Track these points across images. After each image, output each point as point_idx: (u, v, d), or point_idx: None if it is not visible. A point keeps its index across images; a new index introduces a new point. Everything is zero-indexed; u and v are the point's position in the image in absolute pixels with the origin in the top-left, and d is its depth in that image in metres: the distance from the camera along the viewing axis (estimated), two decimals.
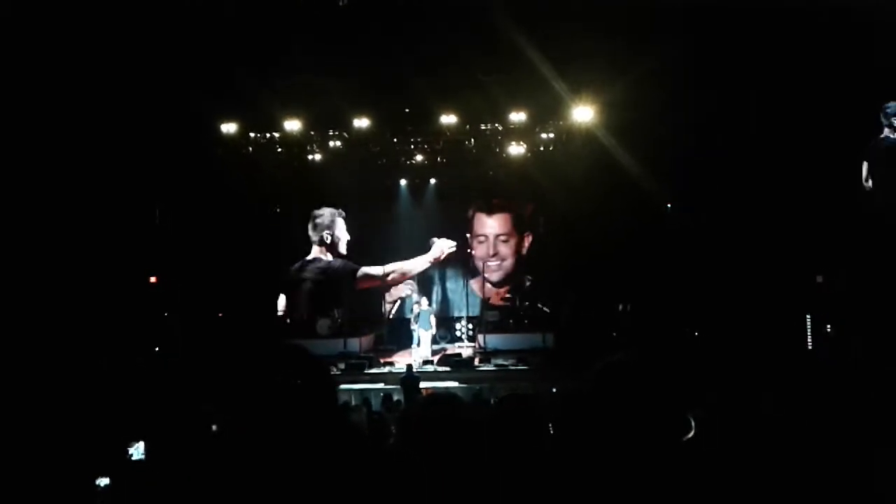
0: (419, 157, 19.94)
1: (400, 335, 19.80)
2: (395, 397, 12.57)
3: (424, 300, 18.91)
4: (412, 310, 18.97)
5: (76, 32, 12.45)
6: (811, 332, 15.17)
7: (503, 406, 2.82)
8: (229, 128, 17.43)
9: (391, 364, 17.50)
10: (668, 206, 18.52)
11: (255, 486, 1.82)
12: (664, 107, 14.65)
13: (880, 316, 12.45)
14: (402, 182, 21.37)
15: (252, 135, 18.38)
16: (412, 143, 19.40)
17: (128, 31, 12.72)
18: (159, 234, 17.36)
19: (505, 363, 17.16)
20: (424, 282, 21.11)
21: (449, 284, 21.35)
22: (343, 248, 20.44)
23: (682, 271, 16.55)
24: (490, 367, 16.96)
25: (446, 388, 13.97)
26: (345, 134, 18.50)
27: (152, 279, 17.60)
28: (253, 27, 13.27)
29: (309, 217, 20.05)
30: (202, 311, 17.85)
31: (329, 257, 20.33)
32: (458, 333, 20.59)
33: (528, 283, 20.11)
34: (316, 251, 20.38)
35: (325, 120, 17.99)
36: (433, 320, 18.19)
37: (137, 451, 6.35)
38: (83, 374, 12.16)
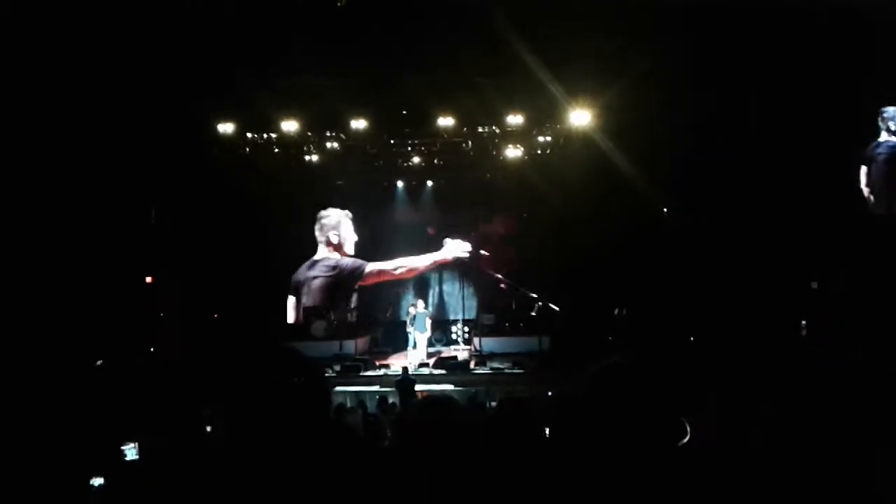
0: (416, 159, 19.94)
1: (396, 338, 19.81)
2: (391, 400, 12.58)
3: (420, 303, 18.90)
4: (408, 312, 18.94)
5: (73, 31, 12.42)
6: (806, 335, 15.19)
7: (502, 409, 2.82)
8: (226, 128, 17.40)
9: (387, 366, 17.50)
10: (665, 209, 18.54)
11: (249, 487, 1.81)
12: (662, 109, 14.65)
13: (879, 318, 12.46)
14: (399, 184, 21.40)
15: (249, 135, 18.35)
16: (409, 145, 19.39)
17: (125, 30, 12.69)
18: (155, 233, 17.33)
19: (501, 366, 17.17)
20: (421, 284, 21.10)
21: (445, 287, 21.37)
22: (350, 249, 20.31)
23: (678, 275, 16.56)
24: (486, 371, 16.97)
25: (442, 390, 13.98)
26: (342, 135, 18.48)
27: (148, 279, 17.56)
28: (251, 27, 13.24)
29: (303, 218, 19.98)
30: (198, 311, 17.83)
31: (337, 256, 20.28)
32: (454, 336, 20.59)
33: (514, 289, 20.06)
34: (323, 251, 20.31)
35: (322, 121, 17.97)
36: (429, 323, 18.19)
37: (132, 451, 6.33)
38: (77, 373, 12.13)
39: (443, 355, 18.28)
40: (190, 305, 17.60)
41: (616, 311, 18.42)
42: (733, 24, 12.83)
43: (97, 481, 5.15)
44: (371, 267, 20.09)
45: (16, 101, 12.76)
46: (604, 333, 17.54)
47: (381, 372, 16.93)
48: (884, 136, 12.68)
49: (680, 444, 2.14)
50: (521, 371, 16.67)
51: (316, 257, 20.21)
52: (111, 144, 14.66)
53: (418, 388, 13.47)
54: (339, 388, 14.91)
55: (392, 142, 19.17)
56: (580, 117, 16.68)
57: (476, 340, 18.83)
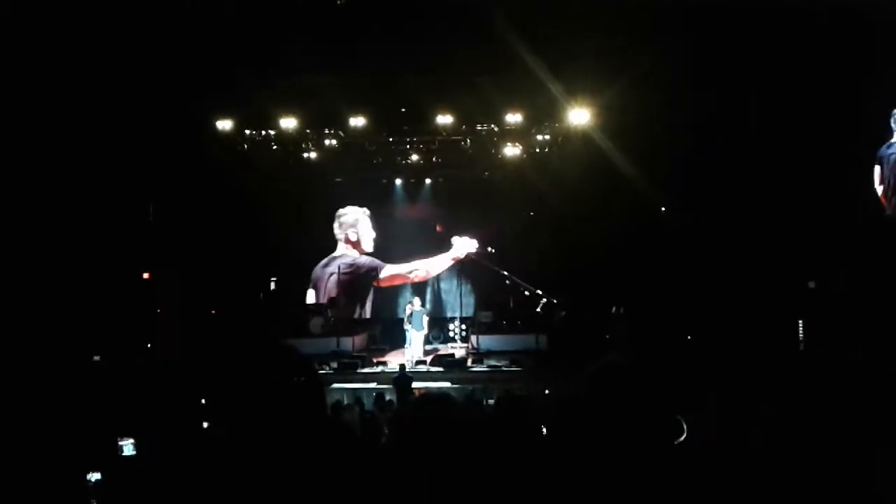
0: (415, 157, 19.94)
1: (393, 335, 19.81)
2: (388, 397, 12.56)
3: (417, 300, 18.90)
4: (405, 310, 18.97)
5: (73, 29, 12.41)
6: (803, 336, 15.21)
7: (499, 406, 2.83)
8: (225, 124, 17.39)
9: (384, 364, 17.50)
10: (664, 208, 18.55)
11: (246, 483, 1.81)
12: (660, 109, 14.66)
13: (879, 317, 12.48)
14: (398, 181, 21.39)
15: (247, 132, 18.34)
16: (408, 142, 19.40)
17: (124, 28, 12.69)
18: (153, 230, 17.32)
19: (498, 364, 17.17)
20: (418, 282, 21.11)
21: (443, 285, 21.35)
22: (368, 246, 20.56)
23: (676, 274, 16.56)
24: (483, 368, 16.97)
25: (439, 388, 13.97)
26: (340, 132, 18.49)
27: (145, 275, 17.55)
28: (250, 24, 13.24)
29: (302, 217, 19.97)
30: (196, 307, 17.82)
31: (355, 253, 20.51)
32: (451, 334, 20.60)
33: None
34: (342, 248, 20.55)
35: (321, 118, 17.97)
36: (426, 321, 18.20)
37: (128, 446, 6.33)
38: (74, 369, 12.13)
39: (440, 353, 18.29)
40: (188, 302, 17.58)
41: (614, 310, 18.41)
42: (733, 25, 12.83)
43: (94, 476, 5.14)
44: (388, 271, 20.34)
45: (17, 99, 12.75)
46: (601, 332, 17.54)
47: (379, 369, 16.92)
48: None
49: (677, 442, 2.14)
50: (519, 369, 16.67)
51: (335, 254, 20.52)
52: (110, 141, 14.64)
53: (415, 385, 13.46)
54: (336, 386, 14.89)
55: (391, 139, 19.18)
56: (579, 116, 16.69)
57: (473, 338, 18.83)
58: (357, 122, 17.43)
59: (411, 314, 18.14)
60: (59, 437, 6.47)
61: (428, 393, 2.33)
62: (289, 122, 17.44)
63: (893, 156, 12.79)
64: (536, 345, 17.82)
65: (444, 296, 21.37)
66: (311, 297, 20.31)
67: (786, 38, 12.90)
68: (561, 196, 18.72)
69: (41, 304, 13.14)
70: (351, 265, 20.32)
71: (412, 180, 21.33)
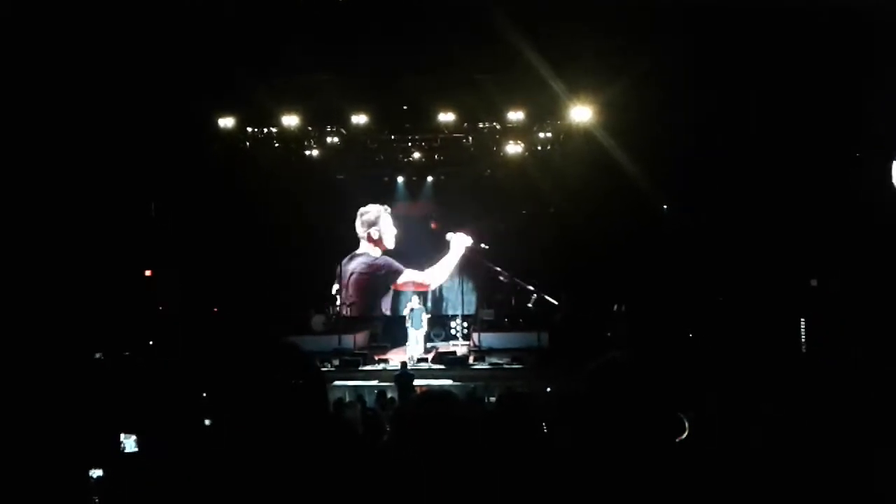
0: (417, 155, 19.93)
1: (394, 332, 19.81)
2: (390, 394, 12.57)
3: (416, 299, 18.93)
4: (406, 308, 19.05)
5: (74, 27, 12.42)
6: (805, 334, 15.21)
7: (501, 404, 2.83)
8: (226, 122, 17.38)
9: (385, 361, 17.51)
10: (665, 206, 18.54)
11: (247, 480, 1.82)
12: (662, 107, 14.65)
13: (879, 317, 12.49)
14: (400, 179, 21.37)
15: (249, 130, 18.33)
16: (410, 140, 19.38)
17: (125, 26, 12.69)
18: (155, 227, 17.34)
19: (499, 362, 17.19)
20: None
21: (445, 283, 21.34)
22: (390, 243, 20.84)
23: (677, 272, 16.57)
24: (485, 366, 16.99)
25: (441, 385, 13.99)
26: (342, 130, 18.47)
27: (147, 272, 17.57)
28: (252, 22, 13.24)
29: (301, 214, 19.96)
30: (197, 305, 17.84)
31: (378, 252, 20.76)
32: (453, 332, 20.60)
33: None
34: (364, 246, 20.84)
35: (322, 116, 17.95)
36: (424, 319, 18.19)
37: (130, 443, 6.34)
38: (77, 366, 12.15)
39: (441, 350, 18.29)
40: (189, 300, 17.61)
41: (615, 308, 18.42)
42: (733, 25, 12.83)
43: (96, 473, 5.16)
44: (406, 276, 20.56)
45: (19, 98, 12.77)
46: (603, 329, 17.55)
47: (380, 367, 16.94)
48: None
49: (678, 439, 2.15)
50: (520, 366, 16.68)
51: (357, 251, 20.78)
52: (112, 139, 14.66)
53: (417, 382, 13.47)
54: (337, 383, 14.91)
55: (393, 137, 19.16)
56: (581, 114, 16.65)
57: (475, 336, 18.84)
58: (359, 119, 17.41)
59: (412, 311, 18.16)
60: (62, 434, 6.48)
61: (430, 390, 2.34)
62: (290, 120, 17.42)
63: None
64: (538, 342, 17.83)
65: (445, 293, 21.36)
66: (336, 290, 20.68)
67: (786, 38, 12.89)
68: (562, 194, 18.72)
69: (43, 301, 13.16)
70: (371, 265, 20.70)
71: (414, 178, 21.32)
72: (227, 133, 17.68)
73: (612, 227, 17.55)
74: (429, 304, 20.50)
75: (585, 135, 17.42)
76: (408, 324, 18.13)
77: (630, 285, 17.71)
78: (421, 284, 20.82)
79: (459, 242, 20.40)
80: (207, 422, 7.00)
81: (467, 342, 19.48)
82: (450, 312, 21.09)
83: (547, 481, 2.19)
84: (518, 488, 2.21)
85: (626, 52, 13.70)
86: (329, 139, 18.83)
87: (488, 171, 20.49)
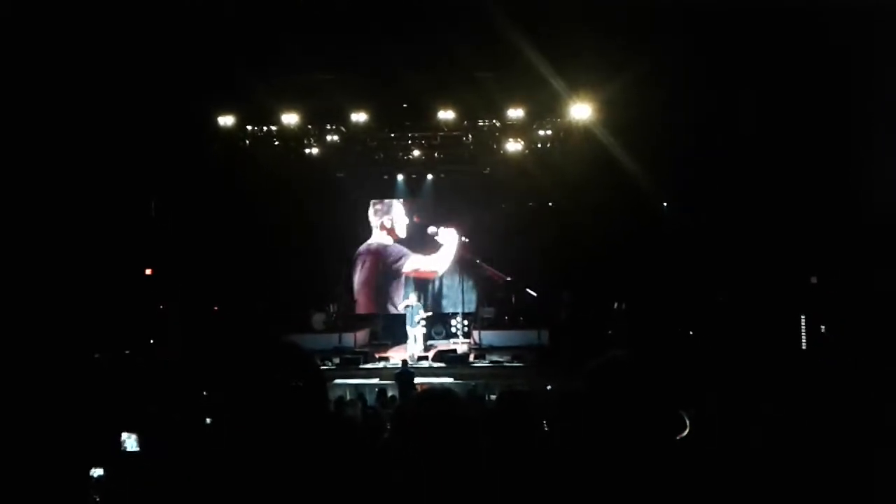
0: (416, 153, 19.91)
1: (395, 331, 19.83)
2: (390, 393, 12.59)
3: (413, 297, 18.97)
4: (403, 303, 19.17)
5: (73, 26, 12.41)
6: (805, 332, 15.22)
7: (501, 402, 2.83)
8: (226, 120, 17.36)
9: (386, 359, 17.53)
10: (665, 204, 18.53)
11: (247, 479, 1.82)
12: (663, 105, 14.63)
13: (879, 316, 12.49)
14: (400, 177, 21.38)
15: (249, 128, 18.32)
16: (410, 138, 19.36)
17: (125, 24, 12.68)
18: (155, 226, 17.34)
19: (500, 360, 17.21)
20: (420, 279, 21.16)
21: (445, 281, 21.35)
22: (402, 232, 21.16)
23: (678, 270, 16.56)
24: (485, 364, 17.01)
25: (441, 383, 13.99)
26: (342, 128, 18.45)
27: (148, 271, 17.57)
28: (252, 21, 13.23)
29: (301, 212, 19.97)
30: (197, 303, 17.84)
31: (390, 240, 21.05)
32: (453, 330, 20.61)
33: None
34: (377, 235, 21.12)
35: (322, 114, 17.93)
36: (419, 316, 18.20)
37: (131, 442, 6.35)
38: (78, 365, 12.15)
39: (442, 348, 18.30)
40: (190, 298, 17.61)
41: (615, 306, 18.43)
42: (734, 24, 12.82)
43: (97, 472, 5.16)
44: (413, 263, 20.77)
45: (20, 97, 12.76)
46: (603, 327, 17.56)
47: (381, 365, 16.96)
48: None
49: (679, 437, 2.15)
50: (521, 364, 16.70)
51: (371, 240, 21.01)
52: (112, 137, 14.65)
53: (417, 380, 13.48)
54: (338, 381, 14.92)
55: (392, 135, 19.15)
56: (581, 111, 16.62)
57: (475, 334, 18.85)
58: (358, 117, 17.38)
59: (407, 308, 18.22)
60: (63, 434, 6.49)
61: (430, 388, 2.33)
62: (290, 118, 17.39)
63: None
64: (538, 340, 17.85)
65: (446, 291, 21.37)
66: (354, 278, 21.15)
67: (785, 38, 12.89)
68: (562, 192, 18.71)
69: (43, 300, 13.16)
70: (381, 249, 21.00)
71: (414, 176, 21.32)
72: (226, 131, 17.65)
73: (612, 226, 17.54)
74: (429, 301, 20.53)
75: (585, 133, 17.40)
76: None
77: (630, 284, 17.71)
78: (427, 272, 20.97)
79: (448, 237, 20.63)
80: (208, 421, 7.01)
81: (468, 340, 19.50)
82: (450, 310, 21.10)
83: (547, 479, 2.19)
84: (518, 487, 2.21)
85: (626, 50, 13.68)
86: (329, 137, 18.81)
87: (488, 168, 20.48)
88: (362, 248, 21.20)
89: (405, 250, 21.07)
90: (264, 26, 13.38)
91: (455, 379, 15.03)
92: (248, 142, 18.58)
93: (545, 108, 17.53)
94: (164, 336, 16.86)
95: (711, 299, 16.23)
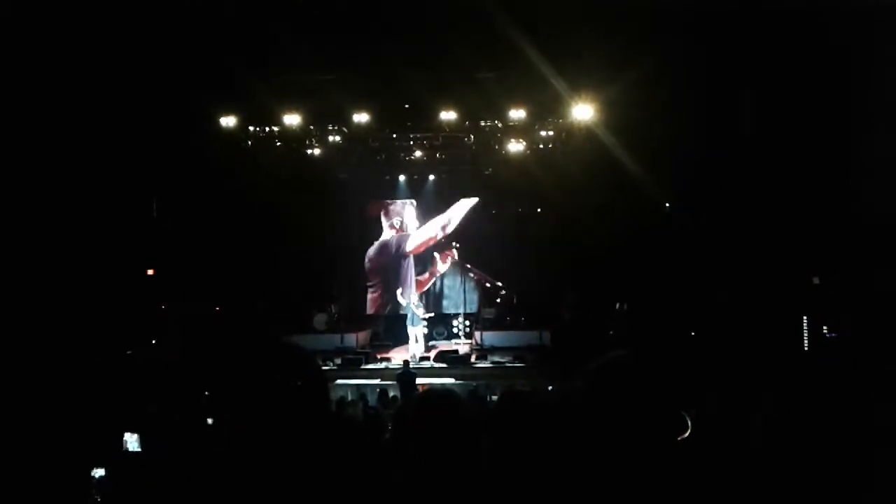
0: (418, 153, 19.92)
1: (396, 331, 19.83)
2: (392, 393, 12.59)
3: (415, 296, 18.97)
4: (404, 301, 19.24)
5: (74, 26, 12.42)
6: (807, 332, 15.21)
7: (502, 402, 2.83)
8: (228, 121, 17.38)
9: (387, 360, 17.55)
10: (667, 205, 18.52)
11: (248, 479, 1.82)
12: (664, 106, 14.63)
13: (879, 316, 12.48)
14: (401, 178, 21.38)
15: (251, 128, 18.33)
16: (411, 138, 19.37)
17: (126, 24, 12.69)
18: (157, 226, 17.35)
19: (502, 360, 17.21)
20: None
21: (446, 281, 21.35)
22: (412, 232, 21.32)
23: (679, 271, 16.55)
24: (487, 364, 17.02)
25: (443, 384, 13.99)
26: (344, 129, 18.46)
27: (149, 272, 17.58)
28: (253, 21, 13.24)
29: (303, 213, 19.97)
30: (198, 303, 17.85)
31: (397, 237, 21.28)
32: (455, 330, 20.61)
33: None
34: (387, 233, 21.29)
35: (324, 115, 17.94)
36: (417, 315, 18.20)
37: (133, 443, 6.35)
38: (80, 365, 12.15)
39: (443, 349, 18.31)
40: (191, 299, 17.62)
41: (617, 306, 18.42)
42: (735, 24, 12.82)
43: (98, 472, 5.16)
44: (416, 238, 21.05)
45: (21, 98, 12.77)
46: (605, 328, 17.55)
47: (382, 365, 16.97)
48: None
49: (681, 438, 2.15)
50: (522, 365, 16.70)
51: (382, 238, 21.15)
52: (114, 137, 14.66)
53: (419, 381, 13.48)
54: (339, 382, 14.93)
55: (394, 136, 19.16)
56: (583, 112, 16.62)
57: (477, 334, 18.85)
58: (360, 118, 17.39)
59: (408, 305, 18.26)
60: (64, 434, 6.49)
61: (431, 389, 2.34)
62: (292, 119, 17.40)
63: None
64: (540, 341, 17.84)
65: (447, 292, 21.37)
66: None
67: (787, 37, 12.89)
68: (564, 192, 18.70)
69: (44, 300, 13.16)
70: (385, 245, 21.13)
71: (415, 177, 21.32)
72: (228, 132, 17.66)
73: (613, 226, 17.53)
74: (430, 300, 20.58)
75: (587, 133, 17.40)
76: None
77: (632, 284, 17.70)
78: (433, 238, 21.12)
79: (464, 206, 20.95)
80: (209, 421, 7.01)
81: (469, 341, 19.48)
82: (452, 311, 21.09)
83: (549, 480, 2.19)
84: (519, 487, 2.21)
85: (627, 51, 13.68)
86: (331, 138, 18.82)
87: (490, 169, 20.48)
88: (371, 249, 21.22)
89: (405, 233, 21.16)
90: (266, 27, 13.39)
91: (456, 379, 15.03)
92: (249, 143, 18.59)
93: (547, 108, 17.53)
94: (164, 337, 16.87)
95: (713, 300, 16.21)
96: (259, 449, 1.84)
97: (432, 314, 19.67)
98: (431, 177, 21.25)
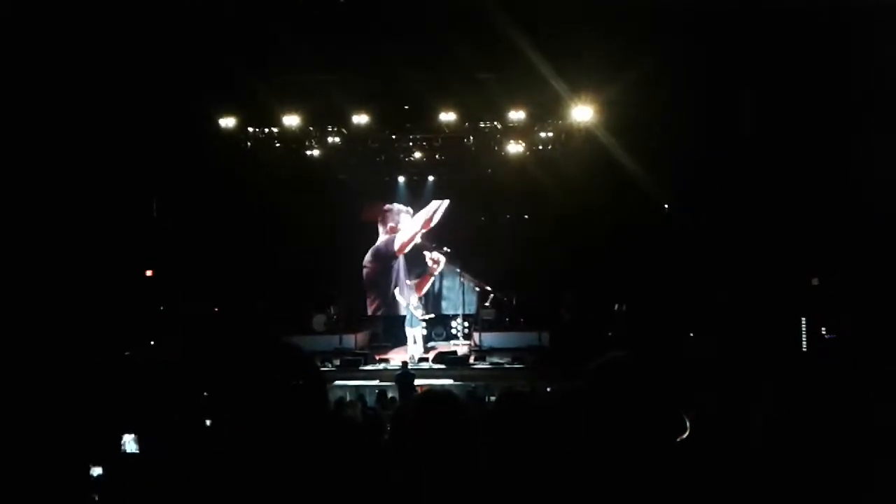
0: (418, 155, 19.92)
1: (395, 332, 19.83)
2: (390, 394, 12.58)
3: (414, 298, 18.96)
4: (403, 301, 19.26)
5: (74, 26, 12.42)
6: (805, 333, 15.21)
7: (501, 403, 2.82)
8: (228, 122, 17.37)
9: (386, 361, 17.53)
10: (666, 206, 18.53)
11: (247, 480, 1.82)
12: (664, 106, 14.63)
13: (879, 316, 12.49)
14: (401, 179, 21.38)
15: (250, 129, 18.32)
16: (411, 140, 19.36)
17: (126, 25, 12.69)
18: (156, 227, 17.35)
19: (500, 361, 17.20)
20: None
21: (446, 282, 21.35)
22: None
23: (679, 271, 16.56)
24: (485, 366, 17.00)
25: (441, 385, 13.98)
26: (343, 130, 18.45)
27: (148, 273, 17.58)
28: (253, 22, 13.24)
29: (302, 214, 19.97)
30: (198, 304, 17.85)
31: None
32: (453, 331, 20.60)
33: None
34: (382, 238, 21.34)
35: (323, 116, 17.93)
36: (415, 317, 18.21)
37: (131, 442, 6.35)
38: (78, 366, 12.15)
39: (442, 350, 18.30)
40: (191, 299, 17.62)
41: (616, 307, 18.42)
42: (735, 24, 12.83)
43: (97, 471, 5.16)
44: (403, 233, 21.12)
45: (21, 98, 12.76)
46: (604, 329, 17.54)
47: (381, 366, 16.96)
48: None
49: (679, 439, 2.14)
50: (521, 366, 16.69)
51: (377, 243, 21.24)
52: (114, 138, 14.66)
53: (418, 382, 13.47)
54: (338, 383, 14.92)
55: (394, 137, 19.14)
56: (582, 113, 16.62)
57: (476, 335, 18.84)
58: (360, 119, 17.38)
59: (405, 307, 18.27)
60: (63, 434, 6.49)
61: (430, 390, 2.33)
62: (292, 120, 17.38)
63: None
64: (539, 342, 17.84)
65: (446, 293, 21.37)
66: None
67: (785, 37, 12.89)
68: (564, 193, 18.69)
69: (44, 301, 13.16)
70: (375, 252, 21.21)
71: (415, 178, 21.32)
72: (228, 133, 17.65)
73: (613, 227, 17.54)
74: (429, 300, 20.58)
75: (587, 134, 17.40)
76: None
77: (631, 285, 17.71)
78: (413, 235, 21.24)
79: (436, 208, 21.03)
80: (208, 422, 7.00)
81: (468, 342, 19.48)
82: (450, 312, 21.09)
83: (547, 481, 2.18)
84: (518, 487, 2.21)
85: (627, 51, 13.69)
86: (330, 139, 18.81)
87: (489, 170, 20.49)
88: (367, 256, 21.28)
89: (393, 235, 21.25)
90: (265, 27, 13.39)
91: (455, 380, 15.02)
92: (249, 143, 18.58)
93: (546, 109, 17.53)
94: (163, 337, 16.86)
95: (713, 300, 16.21)
96: (258, 449, 1.83)
97: (432, 315, 19.66)
98: (431, 178, 21.25)
